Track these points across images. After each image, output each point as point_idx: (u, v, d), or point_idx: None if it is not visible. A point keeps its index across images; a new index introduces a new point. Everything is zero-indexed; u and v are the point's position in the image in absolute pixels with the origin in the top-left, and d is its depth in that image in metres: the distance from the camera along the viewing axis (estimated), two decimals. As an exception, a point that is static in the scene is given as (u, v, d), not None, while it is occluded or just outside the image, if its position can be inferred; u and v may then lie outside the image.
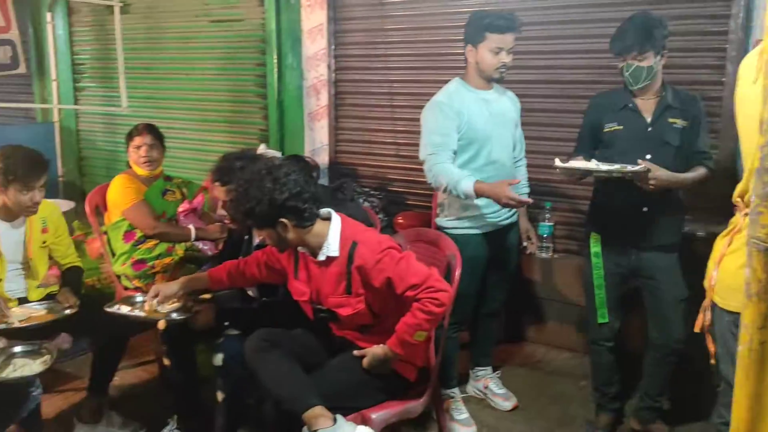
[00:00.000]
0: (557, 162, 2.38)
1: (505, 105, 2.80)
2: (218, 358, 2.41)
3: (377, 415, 2.09)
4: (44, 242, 2.81)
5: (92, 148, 5.72)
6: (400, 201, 4.14)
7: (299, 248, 2.18)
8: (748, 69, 1.61)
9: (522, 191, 2.88)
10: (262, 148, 4.28)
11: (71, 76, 5.64)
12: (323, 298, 2.16)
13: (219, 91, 4.82)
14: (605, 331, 2.67)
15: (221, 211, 2.62)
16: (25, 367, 2.08)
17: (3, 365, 2.07)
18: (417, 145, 4.10)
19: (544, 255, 3.43)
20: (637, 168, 2.27)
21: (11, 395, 2.13)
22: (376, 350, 2.07)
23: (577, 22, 3.43)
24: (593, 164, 2.37)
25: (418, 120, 4.07)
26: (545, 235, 3.42)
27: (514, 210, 2.83)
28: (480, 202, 2.64)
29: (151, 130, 3.36)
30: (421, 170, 4.02)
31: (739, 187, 1.65)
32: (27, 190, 2.56)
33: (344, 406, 2.06)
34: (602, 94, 2.71)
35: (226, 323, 2.48)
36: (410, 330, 2.00)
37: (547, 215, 3.44)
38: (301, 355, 2.09)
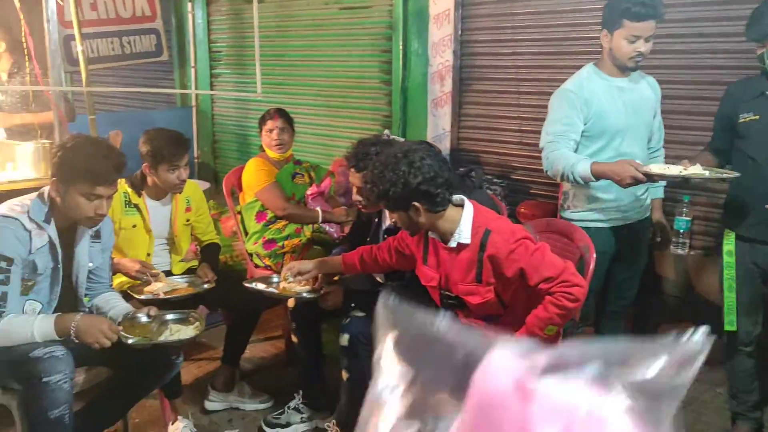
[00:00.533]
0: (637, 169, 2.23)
1: (642, 92, 2.63)
2: (344, 338, 2.48)
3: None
4: (188, 220, 3.00)
5: (225, 132, 6.02)
6: (524, 190, 4.05)
7: (430, 234, 2.19)
8: None
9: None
10: (385, 135, 4.34)
11: (208, 63, 5.96)
12: (452, 285, 2.16)
13: (345, 78, 4.91)
14: (742, 336, 2.49)
15: (356, 197, 2.66)
16: (181, 331, 2.24)
17: (159, 330, 2.24)
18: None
19: (679, 251, 3.23)
20: (726, 175, 2.13)
21: (160, 361, 2.30)
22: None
23: (718, 3, 3.18)
24: (674, 169, 2.20)
25: (544, 107, 3.95)
26: (682, 231, 3.23)
27: (646, 203, 2.68)
28: (608, 195, 2.52)
29: (282, 114, 3.50)
30: (547, 159, 4.02)
31: None
32: (174, 169, 2.74)
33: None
34: (738, 83, 2.52)
35: (353, 305, 2.54)
36: (541, 324, 1.95)
37: (685, 209, 3.24)
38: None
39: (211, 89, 5.91)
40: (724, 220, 2.57)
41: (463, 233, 2.10)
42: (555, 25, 3.79)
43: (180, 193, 2.87)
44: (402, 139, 4.27)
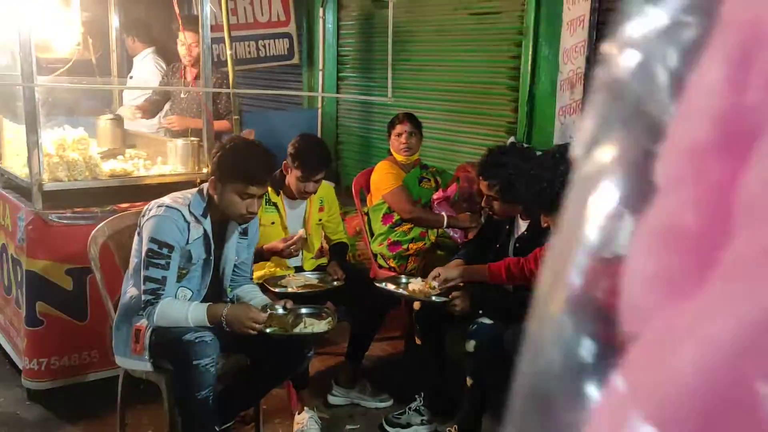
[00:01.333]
0: None
1: None
2: (470, 345, 2.48)
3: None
4: (320, 220, 3.12)
5: (348, 134, 6.18)
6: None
7: None
8: None
9: None
10: (509, 141, 4.30)
11: (335, 66, 6.14)
12: None
13: (472, 83, 4.90)
14: None
15: (484, 204, 2.67)
16: (314, 325, 2.34)
17: (294, 323, 2.34)
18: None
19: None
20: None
21: (294, 352, 2.40)
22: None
23: None
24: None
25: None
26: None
27: None
28: None
29: (411, 119, 3.55)
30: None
31: None
32: (305, 179, 2.84)
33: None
34: None
35: (480, 311, 2.53)
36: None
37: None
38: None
39: (337, 92, 6.09)
40: None
41: None
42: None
43: (304, 199, 2.97)
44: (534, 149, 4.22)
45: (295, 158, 2.84)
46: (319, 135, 6.16)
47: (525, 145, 2.69)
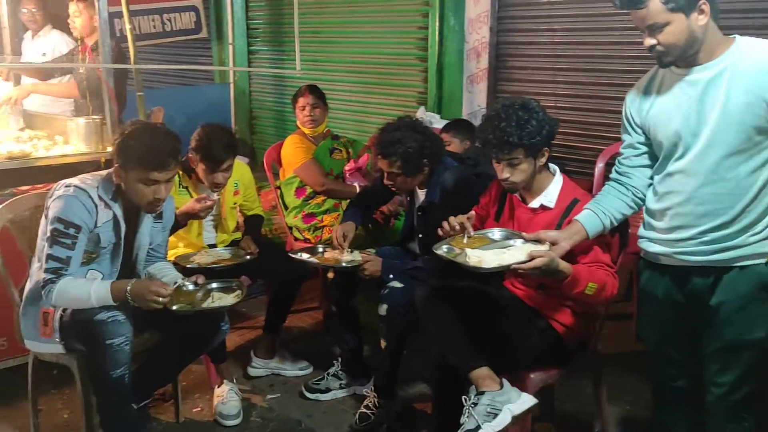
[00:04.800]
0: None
1: None
2: (383, 308, 2.57)
3: (536, 375, 2.15)
4: (235, 203, 3.12)
5: (263, 108, 6.13)
6: (559, 166, 4.06)
7: (511, 190, 2.24)
8: None
9: None
10: (420, 112, 4.40)
11: (246, 40, 6.05)
12: None
13: (381, 54, 4.96)
14: None
15: (387, 182, 2.72)
16: (222, 299, 2.35)
17: (204, 298, 2.36)
18: (580, 109, 4.07)
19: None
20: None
21: (207, 327, 2.42)
22: (560, 260, 1.94)
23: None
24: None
25: (580, 84, 4.00)
26: None
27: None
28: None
29: (314, 90, 3.58)
30: (584, 136, 4.02)
31: None
32: (213, 171, 2.80)
33: (507, 365, 2.13)
34: None
35: (391, 276, 2.63)
36: (588, 274, 1.99)
37: None
38: (469, 310, 2.17)
39: (249, 66, 6.01)
40: None
41: (549, 197, 2.19)
42: (593, 0, 3.78)
43: (216, 190, 2.93)
44: (432, 115, 4.33)
45: (198, 151, 2.78)
46: (232, 110, 6.10)
47: (414, 118, 2.74)
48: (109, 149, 3.04)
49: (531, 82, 4.21)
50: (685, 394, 2.03)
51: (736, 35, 1.80)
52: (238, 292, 2.38)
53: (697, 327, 1.92)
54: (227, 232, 3.11)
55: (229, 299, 2.34)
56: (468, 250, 2.00)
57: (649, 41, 1.78)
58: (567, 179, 2.25)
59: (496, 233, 2.15)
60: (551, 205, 2.18)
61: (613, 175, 2.05)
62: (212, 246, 3.04)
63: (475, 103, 4.45)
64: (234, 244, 3.08)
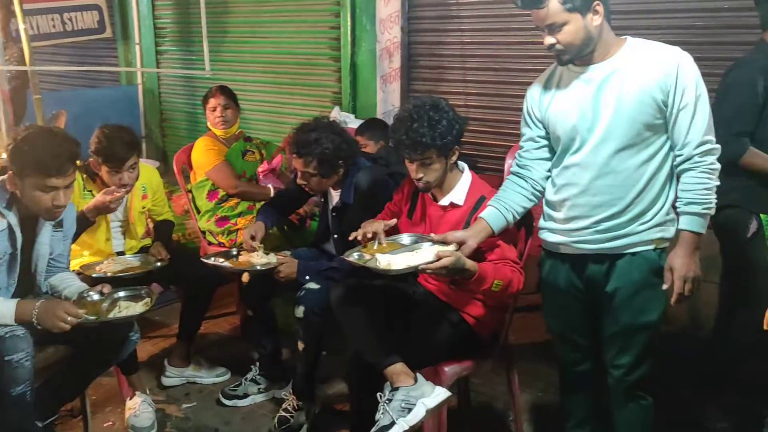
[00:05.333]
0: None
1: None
2: (299, 310, 2.56)
3: (450, 368, 2.19)
4: (144, 207, 3.02)
5: (173, 110, 5.95)
6: (471, 164, 4.14)
7: (424, 189, 2.27)
8: None
9: None
10: (335, 112, 4.39)
11: (153, 39, 5.85)
12: None
13: (294, 54, 4.91)
14: None
15: (300, 181, 2.72)
16: (130, 308, 2.27)
17: (110, 308, 2.26)
18: (489, 107, 4.18)
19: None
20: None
21: (115, 337, 2.33)
22: (466, 259, 1.98)
23: None
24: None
25: (490, 83, 4.11)
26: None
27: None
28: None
29: (224, 91, 3.51)
30: (494, 133, 4.13)
31: None
32: (116, 172, 2.70)
33: (422, 360, 2.16)
34: (759, 59, 2.37)
35: (307, 277, 2.61)
36: (494, 272, 2.04)
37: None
38: (384, 308, 2.19)
39: (157, 67, 5.82)
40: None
41: (458, 195, 2.23)
42: (499, 1, 3.89)
43: (128, 192, 2.84)
44: (347, 115, 4.34)
45: (99, 153, 2.68)
46: (141, 112, 5.89)
47: (330, 119, 2.74)
48: (3, 155, 2.88)
49: (442, 81, 4.28)
50: (590, 377, 2.14)
51: (627, 36, 1.91)
52: (147, 300, 2.31)
53: (597, 313, 2.01)
54: (136, 238, 3.01)
55: (137, 308, 2.27)
56: (378, 255, 2.03)
57: (549, 40, 1.86)
58: (475, 176, 2.31)
59: (405, 238, 2.19)
60: (460, 202, 2.23)
61: (514, 168, 2.13)
62: (120, 253, 2.93)
63: (389, 103, 4.49)
64: (143, 251, 2.98)
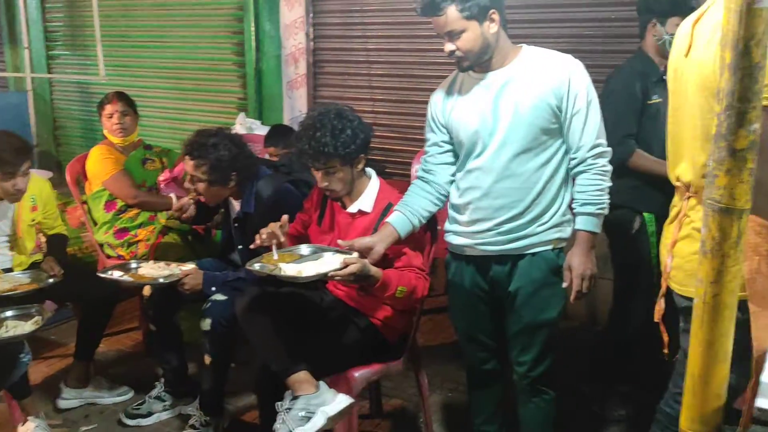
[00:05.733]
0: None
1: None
2: (206, 323, 2.48)
3: (360, 373, 2.19)
4: (33, 220, 2.84)
5: (67, 118, 5.66)
6: (378, 170, 4.17)
7: (332, 197, 2.26)
8: (681, 39, 1.58)
9: None
10: (241, 118, 4.31)
11: (44, 44, 5.55)
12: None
13: (196, 60, 4.80)
14: None
15: (187, 185, 2.65)
16: (18, 327, 2.13)
17: (-4, 328, 2.12)
18: (395, 113, 4.23)
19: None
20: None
21: (2, 360, 2.18)
22: (371, 266, 1.97)
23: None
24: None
25: (395, 89, 4.16)
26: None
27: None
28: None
29: (122, 97, 3.37)
30: (400, 139, 4.18)
31: (674, 169, 1.65)
32: (8, 178, 2.55)
33: (331, 366, 2.15)
34: (635, 62, 2.52)
35: (213, 289, 2.54)
36: (398, 279, 2.05)
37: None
38: (290, 316, 2.16)
39: (48, 72, 5.52)
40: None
41: (366, 202, 2.22)
42: (403, 9, 3.94)
43: (17, 201, 2.68)
44: (252, 122, 4.27)
45: None
46: (32, 120, 5.57)
47: (233, 132, 2.68)
48: None
49: (349, 87, 4.30)
50: (496, 375, 2.19)
51: (523, 44, 1.98)
52: (37, 318, 2.18)
53: (501, 312, 2.07)
54: (25, 253, 2.82)
55: (25, 327, 2.13)
56: (282, 265, 2.00)
57: (449, 47, 1.90)
58: (383, 183, 2.32)
59: (303, 249, 2.17)
60: (368, 209, 2.23)
61: (419, 173, 2.16)
62: (8, 270, 2.75)
63: (296, 109, 4.46)
64: (34, 266, 2.80)
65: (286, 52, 4.40)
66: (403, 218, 2.07)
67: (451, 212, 2.10)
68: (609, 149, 1.95)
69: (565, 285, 1.96)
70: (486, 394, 2.25)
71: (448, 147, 2.09)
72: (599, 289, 2.87)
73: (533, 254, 1.98)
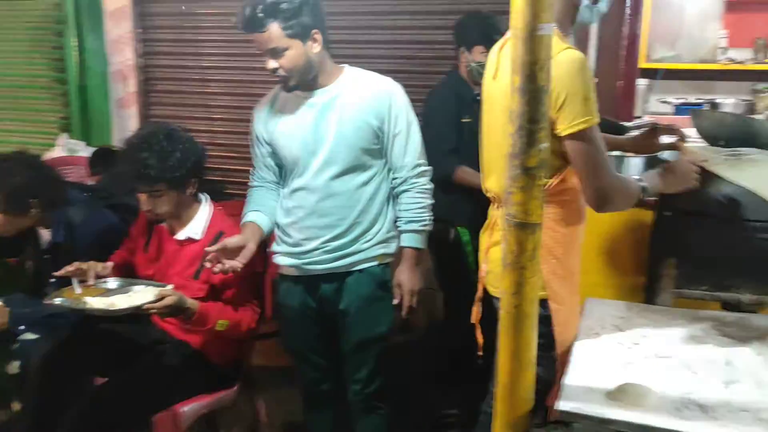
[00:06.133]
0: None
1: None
2: (14, 366, 2.25)
3: (189, 407, 2.08)
4: None
5: None
6: (218, 190, 4.06)
7: (160, 221, 2.15)
8: (490, 64, 1.69)
9: None
10: (62, 139, 4.00)
11: None
12: (168, 277, 2.11)
13: (10, 76, 4.39)
14: None
15: None
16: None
17: None
18: (234, 132, 4.12)
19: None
20: None
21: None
22: (188, 298, 1.95)
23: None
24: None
25: (234, 107, 4.05)
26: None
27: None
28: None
29: None
30: (239, 158, 4.07)
31: (486, 182, 1.75)
32: None
33: (157, 403, 2.03)
34: (450, 85, 2.69)
35: (22, 327, 2.30)
36: (219, 312, 2.01)
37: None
38: (103, 357, 2.01)
39: None
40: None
41: (196, 229, 2.13)
42: (235, 25, 3.85)
43: None
44: (76, 143, 3.98)
45: None
46: None
47: (34, 155, 2.43)
48: None
49: (184, 106, 4.13)
50: (331, 394, 2.18)
51: (345, 65, 2.00)
52: None
53: (334, 331, 2.06)
54: None
55: None
56: (88, 299, 1.86)
57: (272, 64, 1.88)
58: (217, 210, 2.24)
59: (111, 282, 2.05)
60: (198, 236, 2.14)
61: (254, 185, 2.10)
62: None
63: (127, 128, 4.20)
64: None
65: (113, 69, 4.15)
66: (262, 216, 2.01)
67: (278, 233, 2.07)
68: (429, 168, 2.03)
69: (396, 302, 2.00)
70: (322, 415, 2.23)
71: (273, 162, 2.06)
72: (434, 300, 2.97)
73: (360, 271, 2.00)
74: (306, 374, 2.17)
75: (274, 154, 2.03)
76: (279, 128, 1.98)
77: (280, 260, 2.06)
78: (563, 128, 1.44)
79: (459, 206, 2.57)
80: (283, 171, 2.03)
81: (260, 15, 1.81)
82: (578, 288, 1.66)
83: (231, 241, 1.91)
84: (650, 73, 5.05)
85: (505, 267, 1.19)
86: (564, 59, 1.41)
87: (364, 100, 1.92)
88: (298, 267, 2.02)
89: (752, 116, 3.40)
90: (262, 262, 2.28)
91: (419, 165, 1.99)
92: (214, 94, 4.06)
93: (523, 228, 1.15)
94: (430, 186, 2.02)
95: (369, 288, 2.00)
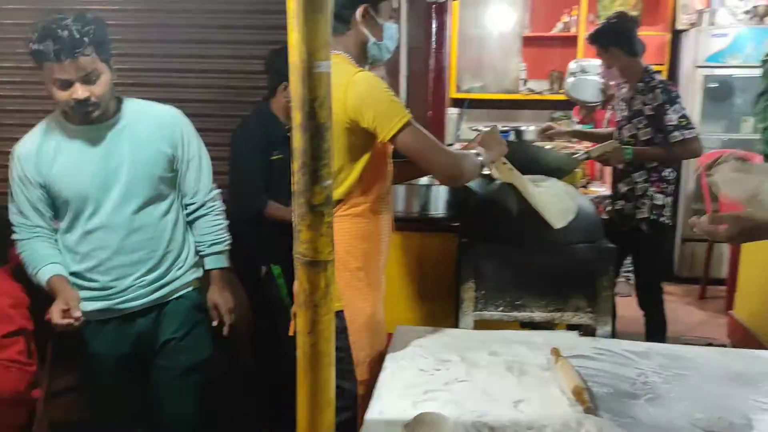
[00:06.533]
0: None
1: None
2: None
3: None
4: None
5: None
6: None
7: None
8: None
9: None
10: None
11: None
12: None
13: None
14: None
15: None
16: None
17: None
18: None
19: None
20: None
21: None
22: None
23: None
24: None
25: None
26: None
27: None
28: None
29: None
30: None
31: None
32: None
33: None
34: (258, 123, 2.58)
35: None
36: None
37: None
38: None
39: None
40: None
41: None
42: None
43: None
44: None
45: None
46: None
47: None
48: None
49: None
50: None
51: (122, 96, 1.89)
52: None
53: (144, 372, 1.96)
54: None
55: None
56: None
57: (82, 93, 1.70)
58: None
59: None
60: None
61: (21, 236, 1.86)
62: None
63: None
64: None
65: None
66: (62, 268, 1.82)
67: (74, 280, 1.87)
68: (219, 190, 2.05)
69: (215, 323, 1.98)
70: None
71: (48, 206, 1.85)
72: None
73: (177, 298, 1.95)
74: (109, 424, 1.98)
75: (49, 197, 1.84)
76: (56, 167, 1.79)
77: (85, 306, 1.84)
78: (386, 133, 1.53)
79: (270, 243, 2.52)
80: (62, 214, 1.85)
81: (81, 38, 1.65)
82: (379, 304, 1.69)
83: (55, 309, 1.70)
84: (461, 103, 5.41)
85: (299, 306, 1.16)
86: (359, 79, 1.54)
87: (155, 128, 1.86)
88: (110, 308, 1.88)
89: (533, 143, 3.71)
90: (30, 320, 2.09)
91: (212, 189, 2.01)
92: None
93: (314, 266, 1.13)
94: (223, 207, 2.04)
95: (189, 313, 1.97)
